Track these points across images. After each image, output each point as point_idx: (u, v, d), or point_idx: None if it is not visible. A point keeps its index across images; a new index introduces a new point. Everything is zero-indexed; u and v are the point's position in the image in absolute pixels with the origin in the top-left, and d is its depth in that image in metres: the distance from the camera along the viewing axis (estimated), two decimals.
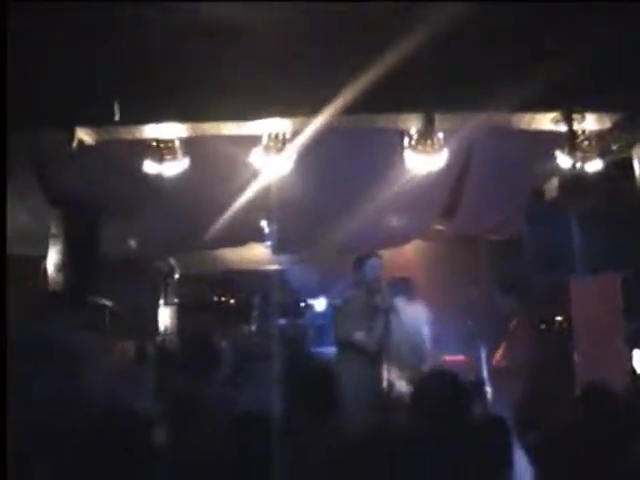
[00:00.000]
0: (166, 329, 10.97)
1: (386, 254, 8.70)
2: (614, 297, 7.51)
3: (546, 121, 6.44)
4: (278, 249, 9.15)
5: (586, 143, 6.65)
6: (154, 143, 6.68)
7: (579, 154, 6.59)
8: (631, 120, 6.35)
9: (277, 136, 6.56)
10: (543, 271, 6.75)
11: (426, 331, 8.56)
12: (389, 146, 6.76)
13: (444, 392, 5.02)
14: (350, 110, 5.95)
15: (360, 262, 7.92)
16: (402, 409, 6.98)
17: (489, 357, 8.95)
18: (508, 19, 5.56)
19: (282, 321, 11.26)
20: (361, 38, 5.63)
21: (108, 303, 9.32)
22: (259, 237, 8.89)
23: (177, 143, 6.68)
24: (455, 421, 4.83)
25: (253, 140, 6.61)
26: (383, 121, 6.58)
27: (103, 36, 5.47)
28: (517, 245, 7.55)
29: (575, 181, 6.68)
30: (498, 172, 7.50)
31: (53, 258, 7.19)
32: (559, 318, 9.92)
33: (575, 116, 6.28)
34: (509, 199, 7.95)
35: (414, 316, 8.35)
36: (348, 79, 5.76)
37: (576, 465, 4.34)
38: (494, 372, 8.84)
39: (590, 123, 6.48)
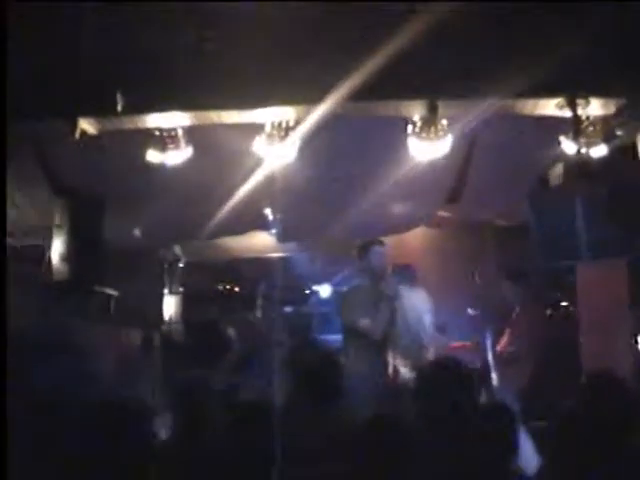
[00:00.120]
0: (171, 318, 10.99)
1: (391, 241, 8.71)
2: (619, 282, 7.51)
3: (550, 107, 6.41)
4: (282, 237, 9.15)
5: (591, 128, 6.63)
6: (157, 132, 6.66)
7: (584, 140, 6.57)
8: (636, 105, 6.31)
9: (280, 124, 6.54)
10: (548, 257, 6.73)
11: (431, 318, 8.58)
12: (393, 133, 6.74)
13: (449, 379, 5.03)
14: (353, 97, 5.94)
15: (364, 249, 7.93)
16: (407, 396, 7.01)
17: (494, 343, 8.95)
18: (510, 4, 5.55)
19: (287, 309, 11.29)
20: (364, 25, 5.62)
21: (113, 292, 9.33)
22: (263, 225, 8.89)
23: (180, 132, 6.67)
24: (460, 407, 4.84)
25: (256, 128, 6.59)
26: (386, 108, 6.56)
27: (104, 26, 5.47)
28: (522, 231, 7.52)
29: (580, 167, 6.65)
30: (502, 158, 7.49)
31: (58, 248, 7.19)
32: (565, 304, 9.93)
33: (579, 101, 6.25)
34: (514, 185, 7.94)
35: (419, 303, 8.37)
36: (351, 66, 5.74)
37: (582, 451, 4.33)
38: (499, 358, 8.84)
39: (595, 108, 6.45)
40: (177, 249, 10.98)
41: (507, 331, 9.15)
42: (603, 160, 6.71)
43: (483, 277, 9.59)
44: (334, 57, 5.77)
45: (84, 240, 7.23)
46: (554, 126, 6.64)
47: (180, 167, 6.81)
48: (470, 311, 9.80)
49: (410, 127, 6.58)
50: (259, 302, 11.42)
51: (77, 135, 6.29)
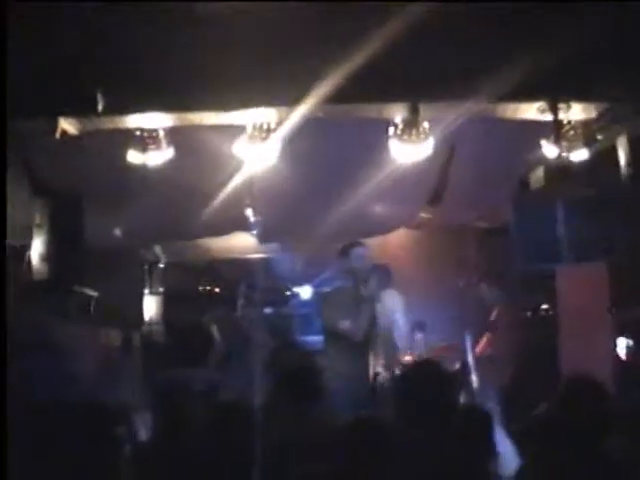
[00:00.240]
0: (151, 318, 10.96)
1: (372, 242, 8.71)
2: (599, 285, 7.53)
3: (532, 110, 6.44)
4: (263, 238, 9.14)
5: (572, 133, 6.66)
6: (138, 133, 6.64)
7: (565, 143, 6.60)
8: (616, 110, 6.36)
9: (261, 126, 6.53)
10: (529, 259, 6.76)
11: (404, 318, 8.59)
12: (374, 135, 6.75)
13: (429, 381, 5.04)
14: (335, 99, 5.94)
15: (345, 251, 7.92)
16: (388, 398, 7.01)
17: (474, 345, 8.97)
18: (492, 8, 5.56)
19: (267, 310, 11.27)
20: (346, 27, 5.61)
21: (93, 292, 9.29)
22: (244, 226, 8.87)
23: (161, 133, 6.65)
24: (440, 410, 4.85)
25: (237, 130, 6.58)
26: (368, 110, 6.57)
27: (86, 26, 5.45)
28: (503, 233, 7.56)
29: (561, 170, 6.69)
30: (484, 161, 7.51)
31: (37, 248, 7.16)
32: (545, 306, 9.95)
33: (561, 106, 6.28)
34: (494, 188, 7.96)
35: (391, 304, 8.37)
36: (333, 68, 5.74)
37: (561, 453, 4.35)
38: (479, 360, 8.85)
39: (576, 113, 6.48)
40: (158, 249, 10.95)
41: (486, 333, 9.18)
42: (584, 164, 6.74)
43: (465, 279, 9.61)
44: (316, 59, 5.76)
45: (64, 240, 7.20)
46: (535, 129, 6.67)
47: (161, 168, 6.80)
48: (452, 312, 9.81)
49: (392, 129, 6.59)
50: (240, 303, 11.39)
51: (58, 135, 6.27)
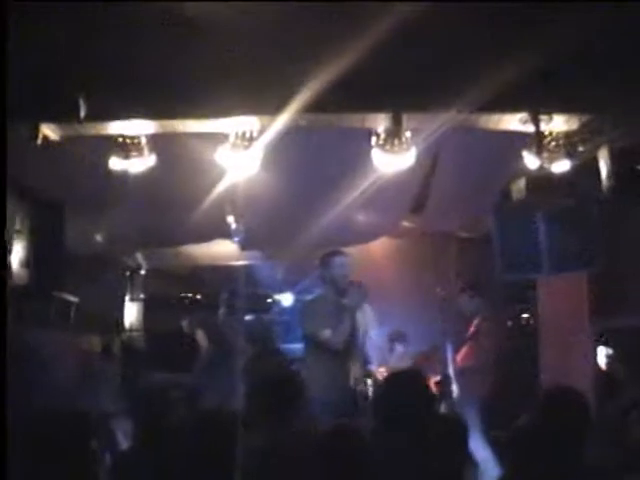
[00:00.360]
0: (132, 325, 10.95)
1: (354, 251, 8.73)
2: (580, 295, 7.55)
3: (514, 121, 6.46)
4: (245, 245, 9.13)
5: (553, 144, 6.68)
6: (120, 140, 6.63)
7: (546, 155, 6.62)
8: (598, 121, 6.39)
9: (244, 134, 6.53)
10: (509, 270, 6.77)
11: (390, 330, 8.60)
12: (357, 145, 6.76)
13: (409, 391, 5.05)
14: (317, 109, 5.94)
15: (326, 260, 7.93)
16: (367, 407, 7.02)
17: (455, 355, 8.99)
18: (475, 18, 5.57)
19: (249, 317, 11.27)
20: (329, 36, 5.62)
21: (73, 299, 9.26)
22: (226, 233, 8.86)
23: (143, 140, 6.64)
24: (418, 419, 4.85)
25: (220, 138, 6.57)
26: (351, 120, 6.57)
27: (69, 32, 5.44)
28: (485, 243, 7.57)
29: (542, 181, 6.70)
30: (466, 171, 7.54)
31: (18, 253, 7.13)
32: (525, 316, 9.98)
33: (542, 117, 6.30)
34: (476, 197, 7.99)
35: (372, 321, 8.39)
36: (316, 77, 5.74)
37: (541, 463, 4.37)
38: (459, 370, 8.88)
39: (558, 124, 6.50)
40: (139, 256, 10.93)
41: (467, 343, 9.20)
42: (565, 175, 6.77)
43: (446, 288, 9.62)
44: (298, 68, 5.77)
45: (45, 246, 7.18)
46: (517, 140, 6.69)
47: (143, 175, 6.78)
48: (433, 322, 9.83)
49: (374, 139, 6.60)
50: (221, 310, 11.40)
51: (39, 140, 6.25)
